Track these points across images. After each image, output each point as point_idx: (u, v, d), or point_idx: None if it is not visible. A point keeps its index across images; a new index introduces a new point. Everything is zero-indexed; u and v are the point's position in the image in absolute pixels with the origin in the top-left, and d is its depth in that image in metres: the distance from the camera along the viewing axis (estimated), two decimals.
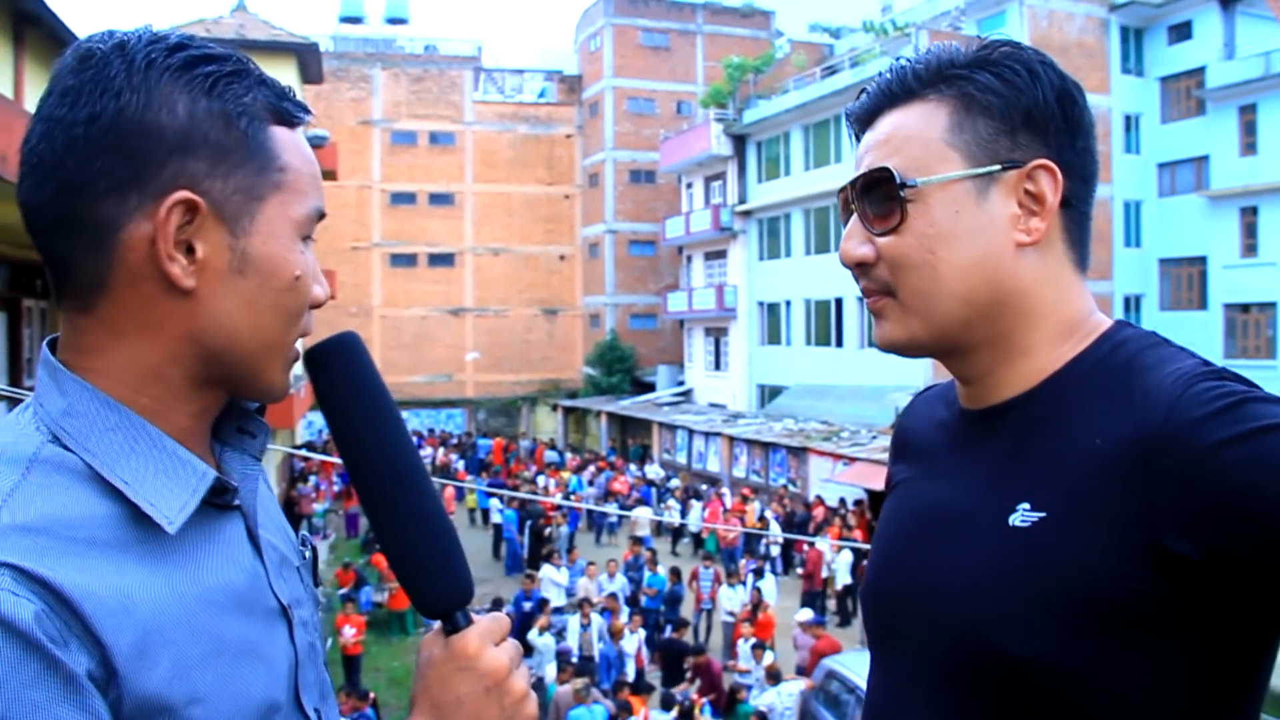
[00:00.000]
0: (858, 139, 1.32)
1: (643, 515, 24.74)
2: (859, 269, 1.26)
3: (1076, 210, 1.22)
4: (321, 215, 1.07)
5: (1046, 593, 1.09)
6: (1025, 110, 1.18)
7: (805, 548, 20.91)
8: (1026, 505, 1.13)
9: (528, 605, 16.92)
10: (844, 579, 19.80)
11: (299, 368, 1.01)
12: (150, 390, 0.99)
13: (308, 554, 1.22)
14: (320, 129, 22.35)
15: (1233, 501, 0.98)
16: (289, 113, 1.04)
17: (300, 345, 1.08)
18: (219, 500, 1.02)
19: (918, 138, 1.21)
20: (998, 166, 1.18)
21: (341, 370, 1.05)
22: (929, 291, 1.20)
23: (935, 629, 1.21)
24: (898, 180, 1.19)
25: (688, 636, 16.25)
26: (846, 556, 19.76)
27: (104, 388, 0.97)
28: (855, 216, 1.26)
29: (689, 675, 13.98)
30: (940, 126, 1.20)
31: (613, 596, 17.41)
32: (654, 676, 15.33)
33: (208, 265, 0.97)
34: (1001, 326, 1.21)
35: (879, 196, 1.22)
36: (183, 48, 0.97)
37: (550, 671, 13.85)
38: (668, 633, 17.51)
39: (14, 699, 0.79)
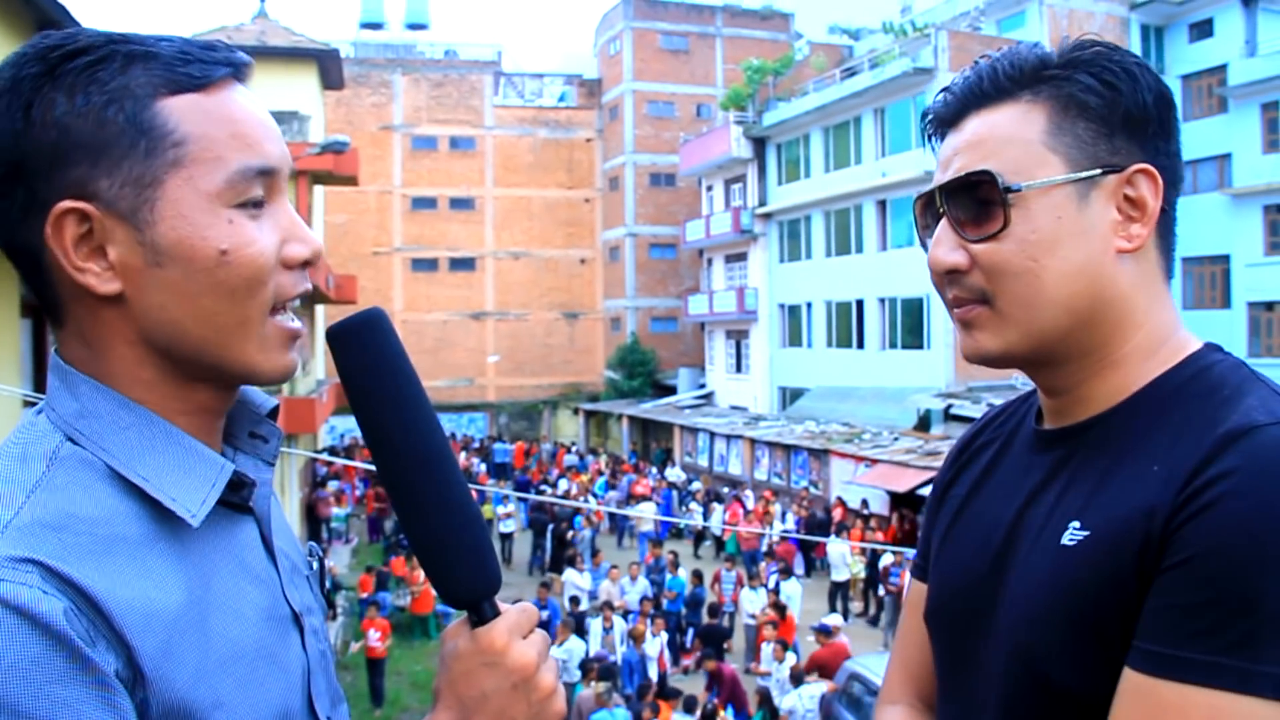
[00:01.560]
0: (936, 140, 1.27)
1: (646, 513, 24.75)
2: (948, 276, 1.20)
3: (1168, 217, 1.19)
4: (265, 171, 0.98)
5: (1083, 616, 1.07)
6: (1125, 113, 1.15)
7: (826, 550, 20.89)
8: (1077, 524, 1.12)
9: (544, 614, 16.88)
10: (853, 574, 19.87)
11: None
12: (144, 393, 0.97)
13: (314, 564, 1.21)
14: (341, 134, 22.40)
15: (1181, 546, 1.00)
16: (190, 77, 0.95)
17: (298, 322, 1.04)
18: (235, 497, 1.01)
19: (1016, 140, 1.15)
20: (1099, 171, 1.14)
21: (365, 349, 1.00)
22: (1031, 300, 1.15)
23: (997, 654, 1.19)
24: (1000, 184, 1.14)
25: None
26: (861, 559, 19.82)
27: (115, 388, 0.96)
28: (944, 222, 1.20)
29: (706, 683, 13.99)
30: (1038, 129, 1.15)
31: (646, 599, 17.48)
32: (676, 679, 15.34)
33: (125, 265, 0.93)
34: (1098, 336, 1.17)
35: (976, 201, 1.17)
36: (45, 52, 0.92)
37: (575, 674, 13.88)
38: (690, 636, 17.55)
39: (43, 695, 0.78)
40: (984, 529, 1.28)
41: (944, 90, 1.25)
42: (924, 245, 1.25)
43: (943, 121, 1.25)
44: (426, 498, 1.00)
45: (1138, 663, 1.01)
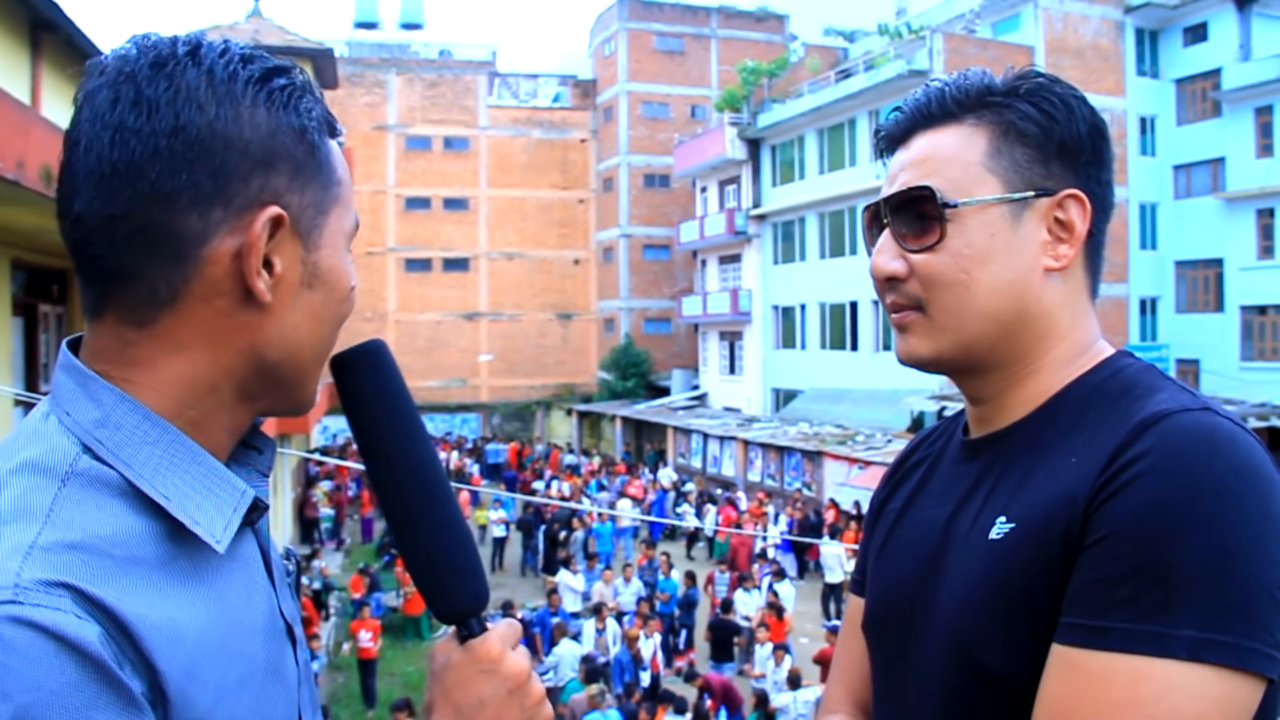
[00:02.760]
0: (885, 155, 1.36)
1: (625, 510, 24.77)
2: (888, 283, 1.28)
3: (1095, 240, 1.27)
4: (357, 226, 1.08)
5: (1013, 604, 1.12)
6: (1060, 141, 1.23)
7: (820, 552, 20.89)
8: (1003, 518, 1.18)
9: (555, 620, 16.76)
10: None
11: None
12: (198, 405, 0.96)
13: (291, 568, 1.20)
14: None
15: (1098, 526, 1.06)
16: (335, 126, 1.04)
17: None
18: (248, 517, 1.01)
19: (957, 160, 1.24)
20: (1032, 193, 1.22)
21: (368, 377, 1.06)
22: (960, 309, 1.23)
23: (933, 652, 1.24)
24: (939, 199, 1.22)
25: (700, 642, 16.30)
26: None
27: (145, 401, 0.93)
28: (887, 232, 1.29)
29: (697, 693, 14.01)
30: (979, 150, 1.23)
31: (644, 601, 17.51)
32: (669, 680, 15.33)
33: (283, 279, 0.96)
34: (1021, 347, 1.25)
35: (916, 214, 1.25)
36: (253, 59, 0.97)
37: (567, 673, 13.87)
38: (683, 638, 17.56)
39: None
40: (918, 538, 1.34)
41: (895, 109, 1.34)
42: (869, 253, 1.33)
43: (893, 139, 1.34)
44: (421, 519, 1.05)
45: (1063, 636, 1.06)
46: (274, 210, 0.93)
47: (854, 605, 1.53)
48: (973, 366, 1.28)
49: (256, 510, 1.02)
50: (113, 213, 0.91)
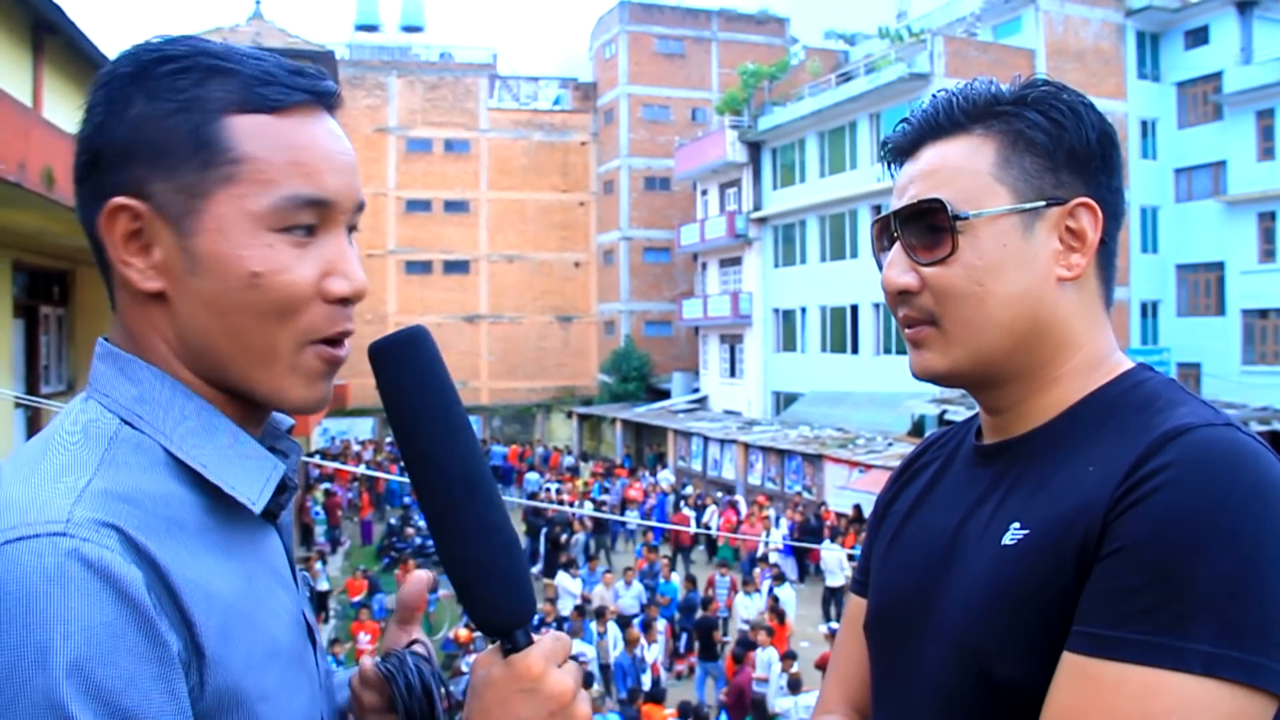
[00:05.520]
0: (894, 168, 1.34)
1: (633, 518, 24.73)
2: (900, 297, 1.27)
3: (1108, 248, 1.26)
4: (316, 202, 0.98)
5: (1025, 610, 1.11)
6: (1069, 149, 1.22)
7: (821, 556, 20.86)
8: (1017, 524, 1.17)
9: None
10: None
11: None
12: (195, 388, 1.00)
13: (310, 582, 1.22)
14: None
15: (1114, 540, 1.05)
16: (263, 99, 0.97)
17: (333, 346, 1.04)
18: (275, 503, 1.02)
19: (967, 170, 1.22)
20: (1043, 203, 1.21)
21: (407, 366, 0.99)
22: (975, 321, 1.22)
23: (936, 655, 1.23)
24: (950, 212, 1.21)
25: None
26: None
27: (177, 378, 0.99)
28: (898, 245, 1.27)
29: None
30: (988, 161, 1.22)
31: (653, 605, 17.49)
32: (670, 684, 15.32)
33: (166, 267, 0.96)
34: (1038, 358, 1.24)
35: (927, 227, 1.24)
36: (139, 55, 0.97)
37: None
38: (684, 641, 17.55)
39: (113, 665, 0.79)
40: (926, 540, 1.33)
41: (903, 121, 1.33)
42: (879, 265, 1.31)
43: (900, 151, 1.32)
44: (466, 519, 0.99)
45: (1076, 645, 1.05)
46: (115, 201, 0.94)
47: (855, 605, 1.52)
48: (989, 379, 1.27)
49: (285, 491, 1.04)
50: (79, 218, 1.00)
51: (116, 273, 0.97)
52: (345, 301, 1.01)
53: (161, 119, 0.94)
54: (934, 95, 1.31)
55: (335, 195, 1.00)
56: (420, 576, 1.20)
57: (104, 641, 0.78)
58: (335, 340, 1.02)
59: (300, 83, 1.00)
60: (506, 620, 0.99)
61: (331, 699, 1.13)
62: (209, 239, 0.94)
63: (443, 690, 1.14)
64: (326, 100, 1.02)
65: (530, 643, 0.99)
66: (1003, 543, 1.17)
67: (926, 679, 1.24)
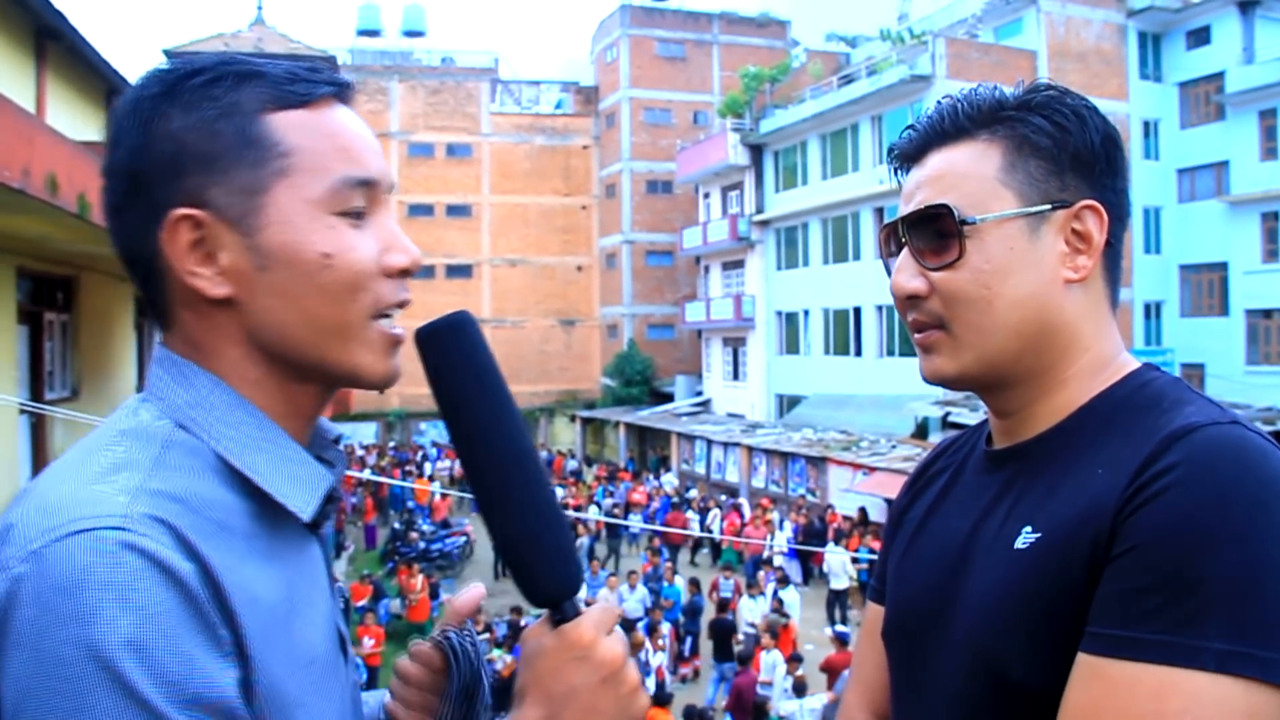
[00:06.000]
0: (900, 174, 1.36)
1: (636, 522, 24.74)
2: (909, 302, 1.28)
3: (1114, 250, 1.27)
4: (366, 182, 1.03)
5: (1038, 613, 1.12)
6: (1074, 152, 1.23)
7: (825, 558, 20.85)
8: (1029, 528, 1.18)
9: None
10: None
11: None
12: (250, 393, 1.02)
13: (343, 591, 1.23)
14: None
15: (1126, 539, 1.05)
16: (295, 95, 1.02)
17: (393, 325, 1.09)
18: (322, 510, 1.05)
19: (973, 176, 1.24)
20: (1049, 206, 1.22)
21: (456, 349, 1.03)
22: (983, 325, 1.23)
23: (954, 660, 1.24)
24: (956, 216, 1.23)
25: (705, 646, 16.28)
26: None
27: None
28: (906, 250, 1.29)
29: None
30: (994, 166, 1.24)
31: (658, 609, 17.51)
32: (675, 687, 15.30)
33: (235, 270, 0.98)
34: (1046, 360, 1.25)
35: (934, 232, 1.25)
36: (163, 76, 1.00)
37: None
38: (688, 645, 17.54)
39: (174, 649, 0.82)
40: (940, 547, 1.34)
41: (909, 127, 1.34)
42: (887, 270, 1.33)
43: (907, 157, 1.34)
44: (517, 496, 1.02)
45: (1089, 646, 1.05)
46: (176, 212, 0.97)
47: (873, 613, 1.53)
48: (998, 382, 1.28)
49: (331, 501, 1.06)
50: (115, 246, 1.02)
51: (179, 286, 0.99)
52: (404, 273, 1.07)
53: (207, 126, 0.97)
54: (939, 101, 1.32)
55: (379, 175, 1.05)
56: (477, 589, 1.24)
57: (164, 626, 0.81)
58: (388, 315, 1.07)
59: (321, 77, 1.05)
60: (558, 591, 1.02)
61: (359, 710, 1.15)
62: (276, 231, 0.98)
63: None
64: (345, 93, 1.07)
65: (579, 613, 1.02)
66: (1015, 547, 1.18)
67: (944, 685, 1.25)
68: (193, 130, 0.97)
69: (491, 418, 1.02)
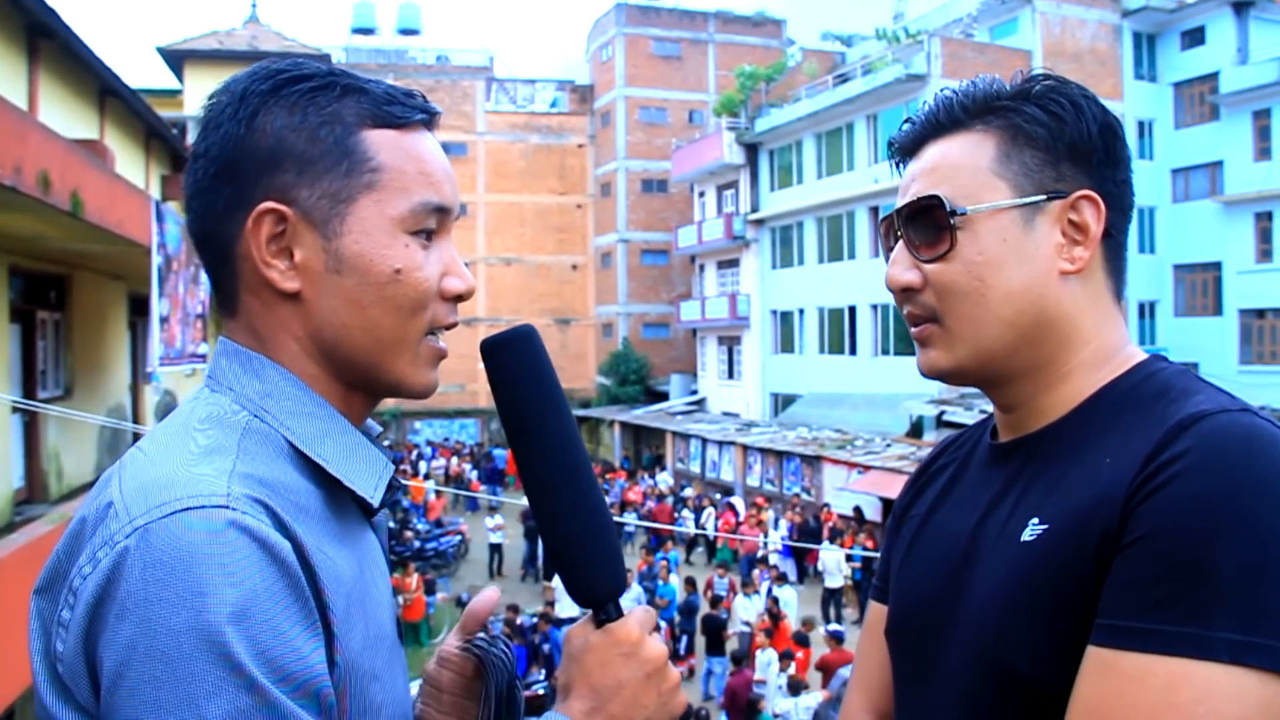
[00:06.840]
0: (901, 168, 1.35)
1: (632, 519, 24.68)
2: (904, 294, 1.28)
3: (1115, 241, 1.26)
4: (441, 209, 1.09)
5: (1047, 606, 1.11)
6: (1070, 142, 1.22)
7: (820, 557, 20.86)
8: (1036, 520, 1.16)
9: (546, 649, 16.62)
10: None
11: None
12: (311, 385, 1.07)
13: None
14: None
15: (1136, 526, 1.04)
16: (392, 116, 1.07)
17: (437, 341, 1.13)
18: (386, 498, 1.10)
19: (966, 166, 1.23)
20: (1043, 196, 1.21)
21: (519, 362, 1.10)
22: (976, 317, 1.22)
23: (960, 657, 1.22)
24: (948, 208, 1.22)
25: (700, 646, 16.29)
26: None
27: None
28: (901, 243, 1.29)
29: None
30: (988, 156, 1.23)
31: (653, 607, 17.52)
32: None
33: (307, 268, 1.04)
34: (1044, 353, 1.24)
35: (927, 224, 1.25)
36: (274, 74, 1.05)
37: None
38: (684, 644, 17.55)
39: (270, 624, 0.86)
40: (945, 541, 1.33)
41: (907, 120, 1.34)
42: (888, 264, 1.32)
43: (905, 150, 1.34)
44: (570, 502, 1.08)
45: (1099, 638, 1.04)
46: (266, 205, 1.02)
47: (875, 612, 1.52)
48: (996, 375, 1.27)
49: (393, 490, 1.11)
50: (190, 228, 1.08)
51: (254, 275, 1.04)
52: (459, 298, 1.12)
53: (309, 130, 1.03)
54: (937, 94, 1.31)
55: (452, 203, 1.11)
56: (492, 592, 1.28)
57: (263, 600, 0.85)
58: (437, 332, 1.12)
59: (416, 103, 1.10)
60: (605, 592, 1.09)
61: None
62: (354, 239, 1.04)
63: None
64: (433, 121, 1.13)
65: (621, 614, 1.09)
66: (1022, 539, 1.16)
67: (950, 680, 1.24)
68: (295, 131, 1.03)
69: (551, 427, 1.09)
